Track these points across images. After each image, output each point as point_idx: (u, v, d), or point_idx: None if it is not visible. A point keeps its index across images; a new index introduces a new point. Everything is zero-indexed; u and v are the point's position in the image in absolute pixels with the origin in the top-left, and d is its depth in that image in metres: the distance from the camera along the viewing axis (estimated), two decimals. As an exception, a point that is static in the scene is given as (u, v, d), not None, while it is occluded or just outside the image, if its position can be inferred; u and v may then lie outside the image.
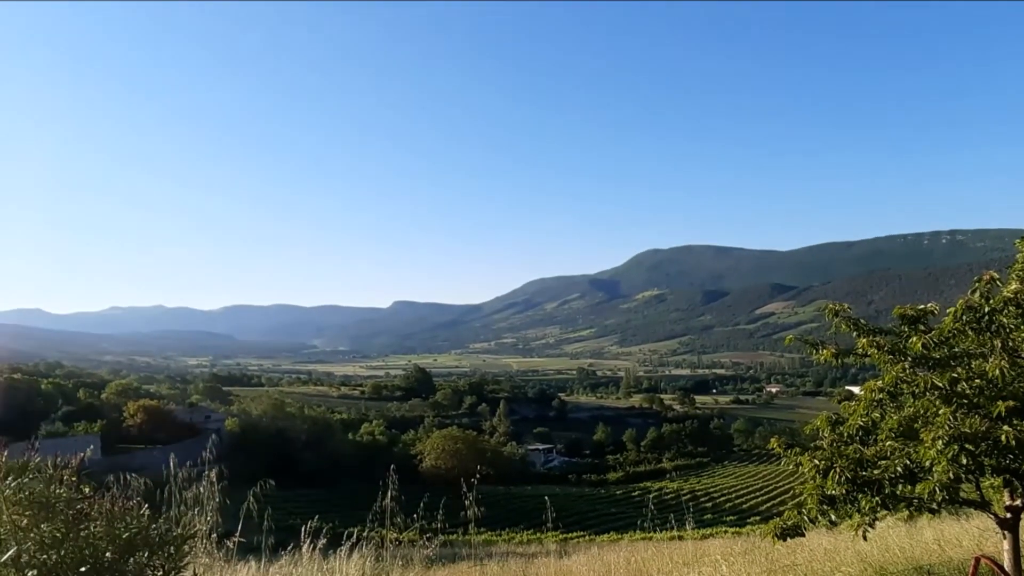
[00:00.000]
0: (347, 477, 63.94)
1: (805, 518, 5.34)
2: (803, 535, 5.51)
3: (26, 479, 2.76)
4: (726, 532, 35.87)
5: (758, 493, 72.77)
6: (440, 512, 6.33)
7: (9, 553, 2.51)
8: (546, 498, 9.62)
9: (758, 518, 50.46)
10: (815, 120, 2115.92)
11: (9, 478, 2.74)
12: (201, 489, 4.85)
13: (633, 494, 73.89)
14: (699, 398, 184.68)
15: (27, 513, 2.69)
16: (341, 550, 5.19)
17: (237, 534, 4.84)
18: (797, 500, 5.77)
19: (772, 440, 6.30)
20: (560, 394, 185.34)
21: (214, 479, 4.91)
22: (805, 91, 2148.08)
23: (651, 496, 72.92)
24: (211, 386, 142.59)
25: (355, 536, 5.30)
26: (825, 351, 6.04)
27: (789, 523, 5.41)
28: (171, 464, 5.03)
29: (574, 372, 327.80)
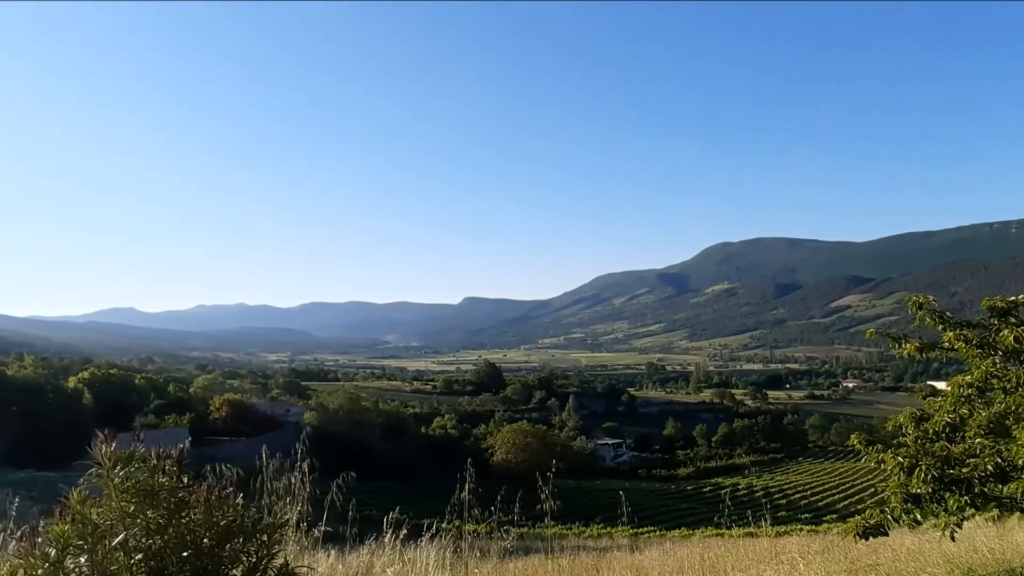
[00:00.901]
0: (420, 470, 64.94)
1: (888, 517, 5.13)
2: (886, 534, 5.30)
3: (132, 468, 2.91)
4: (801, 530, 34.93)
5: (834, 491, 70.57)
6: (517, 505, 6.35)
7: (119, 537, 2.66)
8: (620, 493, 9.54)
9: (834, 516, 48.93)
10: (892, 106, 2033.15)
11: (117, 467, 2.90)
12: (291, 480, 5.03)
13: (704, 490, 72.73)
14: (772, 393, 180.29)
15: (133, 500, 2.84)
16: (421, 541, 5.29)
17: (323, 523, 4.98)
18: (879, 498, 5.57)
19: (852, 436, 6.08)
20: (629, 389, 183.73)
21: (305, 470, 5.08)
22: (880, 75, 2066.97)
23: (724, 492, 71.83)
24: (290, 381, 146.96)
25: (434, 528, 5.39)
26: (908, 345, 5.79)
27: (872, 521, 5.22)
28: (263, 455, 5.22)
29: (643, 367, 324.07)
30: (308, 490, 5.02)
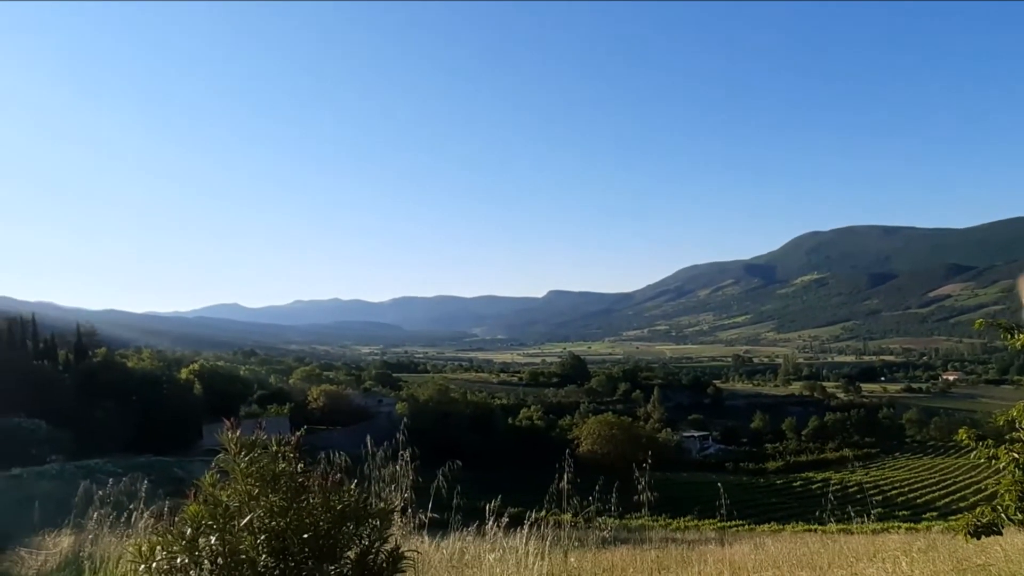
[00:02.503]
0: (506, 460, 65.58)
1: (1002, 515, 4.85)
2: (999, 533, 5.01)
3: (255, 454, 3.09)
4: (899, 528, 33.43)
5: (934, 487, 67.14)
6: (614, 496, 6.36)
7: (247, 519, 2.83)
8: (719, 485, 9.35)
9: (935, 514, 46.55)
10: (992, 81, 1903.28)
11: (242, 452, 3.08)
12: (397, 467, 5.21)
13: (794, 484, 70.61)
14: (865, 386, 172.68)
15: (257, 484, 3.01)
16: (520, 529, 5.37)
17: (428, 510, 5.14)
18: (989, 495, 5.27)
19: (961, 431, 5.76)
20: (715, 381, 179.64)
21: (408, 458, 5.27)
22: (981, 49, 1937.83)
23: (815, 487, 69.41)
24: (382, 373, 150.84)
25: (532, 516, 5.47)
26: (1022, 336, 5.43)
27: (984, 520, 4.93)
28: (368, 444, 5.43)
29: (729, 359, 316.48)
30: (411, 478, 5.20)
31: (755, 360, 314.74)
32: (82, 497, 10.21)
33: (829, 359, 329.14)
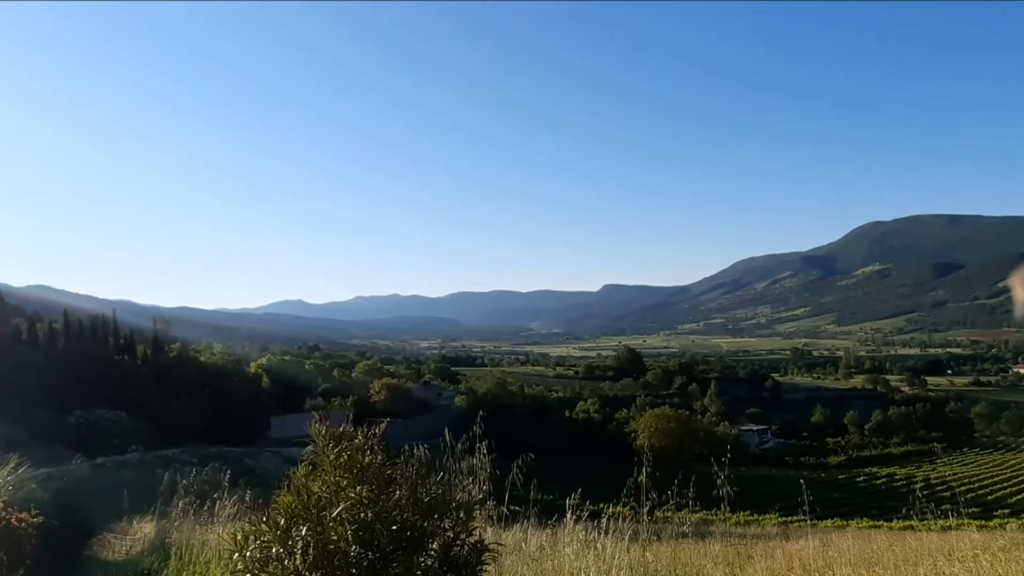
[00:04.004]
0: (564, 452, 65.54)
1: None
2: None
3: (343, 446, 3.16)
4: (968, 525, 32.19)
5: (1006, 484, 64.36)
6: (692, 490, 6.30)
7: (337, 510, 2.91)
8: (801, 482, 9.14)
9: (1006, 511, 44.68)
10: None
11: (331, 444, 3.16)
12: (474, 461, 5.28)
13: (857, 479, 68.70)
14: (931, 379, 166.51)
15: (345, 476, 3.09)
16: (598, 523, 5.38)
17: (506, 502, 5.19)
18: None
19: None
20: (773, 374, 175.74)
21: (485, 451, 5.33)
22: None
23: (879, 482, 67.41)
24: (441, 366, 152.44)
25: (609, 510, 5.47)
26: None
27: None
28: (446, 437, 5.51)
29: (787, 352, 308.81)
30: (488, 471, 5.25)
31: (815, 353, 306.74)
32: (167, 485, 10.63)
33: (892, 352, 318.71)
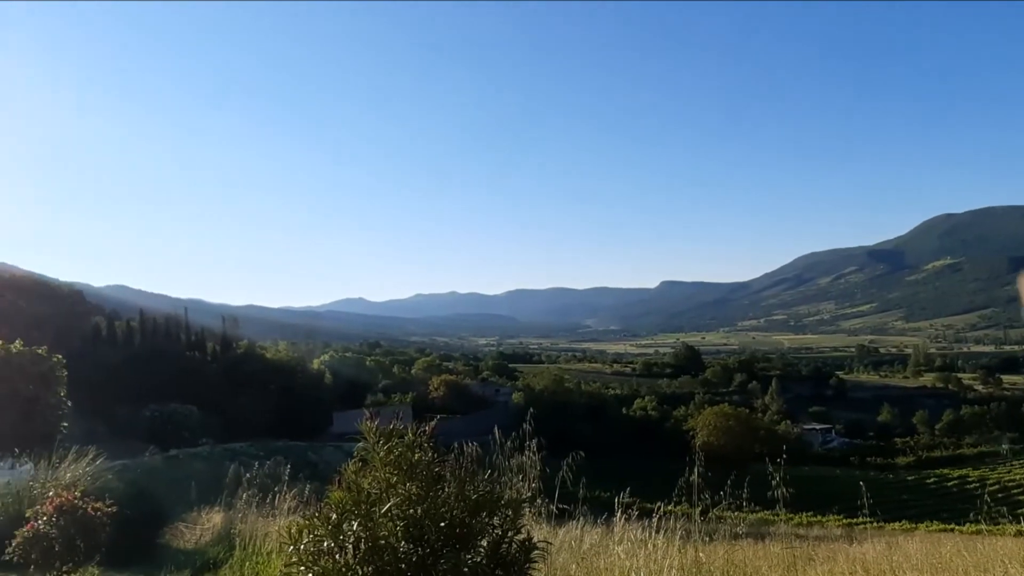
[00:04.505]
0: (621, 449, 65.13)
1: None
2: None
3: (393, 443, 3.20)
4: (1049, 530, 30.65)
5: (1088, 487, 61.09)
6: (746, 490, 6.16)
7: (387, 506, 2.94)
8: (861, 483, 8.84)
9: (1090, 517, 42.33)
10: None
11: (381, 442, 3.20)
12: (524, 458, 5.28)
13: (927, 481, 66.25)
14: (1007, 378, 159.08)
15: (395, 473, 3.12)
16: (649, 522, 5.31)
17: (556, 500, 5.17)
18: None
19: None
20: (837, 372, 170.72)
21: (534, 448, 5.32)
22: None
23: (950, 484, 64.85)
24: (498, 363, 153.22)
25: (661, 509, 5.40)
26: None
27: None
28: (495, 434, 5.53)
29: (852, 349, 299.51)
30: (538, 468, 5.24)
31: (881, 350, 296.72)
32: (232, 478, 11.01)
33: (965, 349, 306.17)
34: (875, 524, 34.41)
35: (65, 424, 22.46)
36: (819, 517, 38.40)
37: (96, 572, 8.14)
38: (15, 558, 6.72)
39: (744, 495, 6.22)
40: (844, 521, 33.44)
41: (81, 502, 7.24)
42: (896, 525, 33.43)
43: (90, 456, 11.47)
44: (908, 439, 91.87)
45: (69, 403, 22.74)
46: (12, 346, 21.42)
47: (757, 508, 7.00)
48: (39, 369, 21.48)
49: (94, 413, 39.02)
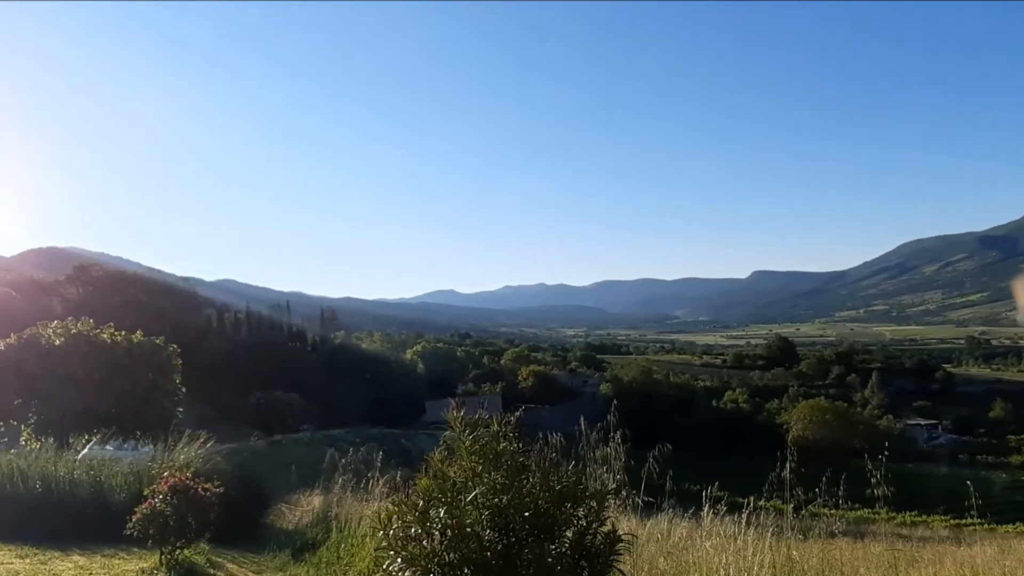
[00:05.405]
0: (711, 442, 63.70)
1: None
2: None
3: (478, 432, 3.22)
4: None
5: None
6: (843, 487, 5.88)
7: (472, 494, 2.96)
8: (968, 483, 8.32)
9: None
10: None
11: (466, 431, 3.22)
12: (608, 450, 5.23)
13: (1046, 481, 61.67)
14: None
15: (480, 462, 3.14)
16: (739, 517, 5.15)
17: (641, 493, 5.10)
18: None
19: None
20: (944, 365, 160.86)
21: (619, 440, 5.26)
22: None
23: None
24: (586, 354, 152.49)
25: (751, 504, 5.22)
26: None
27: None
28: (581, 425, 5.50)
29: (961, 341, 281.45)
30: (624, 460, 5.17)
31: (993, 342, 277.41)
32: (328, 463, 11.45)
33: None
34: (985, 526, 32.38)
35: (180, 409, 23.99)
36: (923, 517, 36.44)
37: (206, 548, 8.62)
38: (135, 533, 7.20)
39: (841, 492, 5.91)
40: (951, 522, 31.61)
41: (193, 483, 7.68)
42: (1009, 527, 31.40)
43: (202, 440, 12.17)
44: (1023, 436, 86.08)
45: (183, 390, 24.27)
46: (134, 337, 23.04)
47: (855, 506, 6.65)
48: (157, 358, 23.00)
49: (205, 399, 41.37)
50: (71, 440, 13.44)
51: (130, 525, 7.24)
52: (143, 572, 7.04)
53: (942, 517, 35.02)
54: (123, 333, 22.84)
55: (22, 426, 20.10)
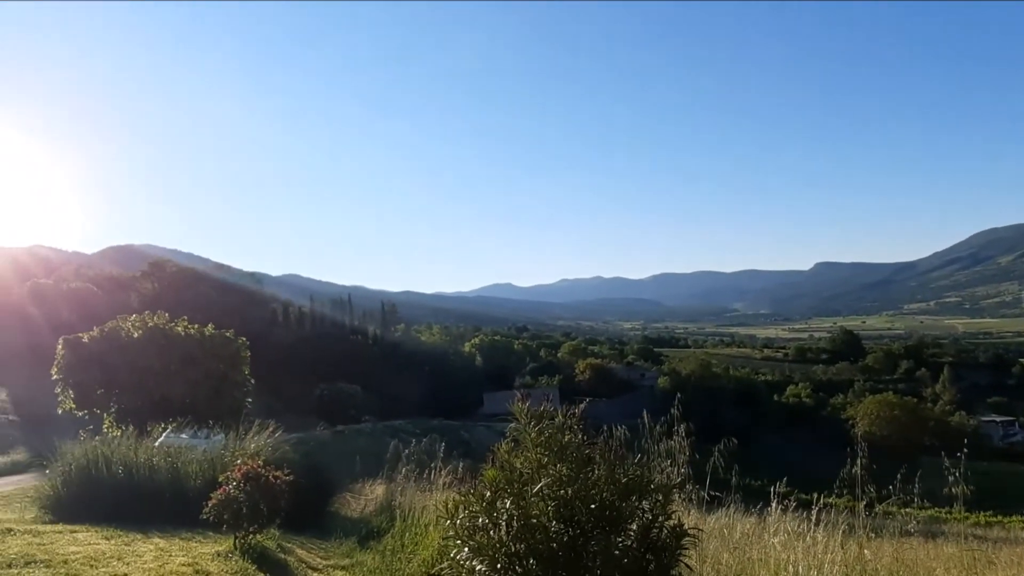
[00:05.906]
0: (771, 437, 62.36)
1: None
2: None
3: (544, 424, 3.23)
4: None
5: None
6: (917, 484, 5.67)
7: (538, 486, 2.98)
8: None
9: None
10: None
11: (532, 423, 3.24)
12: (673, 443, 5.18)
13: None
14: None
15: (546, 454, 3.15)
16: (808, 514, 5.03)
17: (706, 487, 5.04)
18: None
19: None
20: (1022, 359, 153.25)
21: (683, 434, 5.20)
22: None
23: None
24: (643, 347, 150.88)
25: (821, 501, 5.10)
26: None
27: None
28: (644, 418, 5.46)
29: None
30: (688, 454, 5.12)
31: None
32: (392, 453, 11.67)
33: None
34: (1069, 528, 30.80)
35: (249, 399, 24.75)
36: (1000, 517, 34.88)
37: (276, 534, 8.90)
38: (210, 517, 7.49)
39: (917, 490, 5.70)
40: (1031, 523, 30.14)
41: (264, 470, 7.94)
42: (1094, 530, 29.72)
43: (270, 429, 12.56)
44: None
45: (252, 381, 25.04)
46: (205, 330, 23.87)
47: (928, 504, 6.41)
48: (228, 350, 23.78)
49: (271, 390, 42.60)
50: (149, 428, 14.01)
51: (206, 510, 7.53)
52: (219, 555, 7.32)
53: (1021, 518, 33.42)
54: (195, 326, 23.68)
55: (104, 414, 21.09)
